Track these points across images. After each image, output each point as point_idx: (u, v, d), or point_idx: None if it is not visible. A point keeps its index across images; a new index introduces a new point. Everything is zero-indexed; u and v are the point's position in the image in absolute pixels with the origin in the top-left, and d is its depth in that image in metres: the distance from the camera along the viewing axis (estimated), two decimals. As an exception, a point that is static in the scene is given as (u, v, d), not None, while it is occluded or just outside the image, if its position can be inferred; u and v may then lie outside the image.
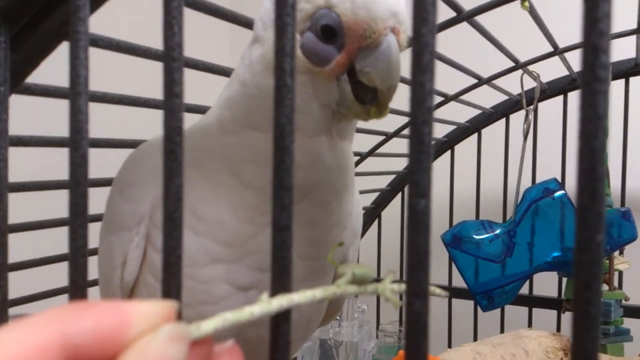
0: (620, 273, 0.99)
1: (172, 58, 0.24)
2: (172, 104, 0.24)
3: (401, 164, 1.16)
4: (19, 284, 0.48)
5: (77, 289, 0.27)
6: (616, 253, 0.92)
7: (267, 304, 0.23)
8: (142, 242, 0.46)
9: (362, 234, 1.16)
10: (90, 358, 0.20)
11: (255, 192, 0.43)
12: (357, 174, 0.96)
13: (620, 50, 0.94)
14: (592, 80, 0.17)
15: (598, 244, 0.17)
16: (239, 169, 0.43)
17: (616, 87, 0.98)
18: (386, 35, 0.38)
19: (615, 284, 0.91)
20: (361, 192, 0.64)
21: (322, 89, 0.40)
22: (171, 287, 0.24)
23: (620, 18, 0.85)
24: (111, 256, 0.47)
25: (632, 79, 1.00)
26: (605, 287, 0.90)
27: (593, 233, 0.17)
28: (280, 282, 0.23)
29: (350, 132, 0.45)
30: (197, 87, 0.58)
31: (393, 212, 1.18)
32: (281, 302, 0.23)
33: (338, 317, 0.93)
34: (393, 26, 0.38)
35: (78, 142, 0.26)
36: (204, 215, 0.44)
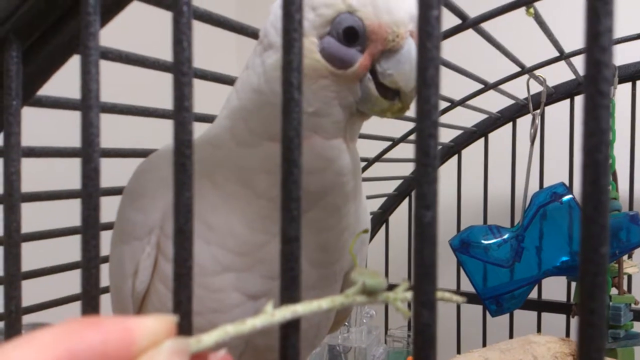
0: (630, 277, 0.99)
1: (182, 72, 0.25)
2: (182, 118, 0.25)
3: (408, 169, 1.16)
4: (30, 292, 0.48)
5: (89, 298, 0.27)
6: (625, 257, 0.91)
7: (270, 316, 0.23)
8: (153, 252, 0.46)
9: (370, 239, 1.16)
10: None
11: (267, 202, 0.43)
12: (365, 179, 0.96)
13: (627, 54, 0.94)
14: (594, 93, 0.17)
15: (602, 255, 0.18)
16: (252, 180, 0.43)
17: (623, 91, 0.98)
18: (406, 39, 0.39)
19: (625, 287, 0.91)
20: (368, 197, 0.64)
21: (345, 90, 0.40)
22: (182, 297, 0.25)
23: (627, 22, 0.85)
24: (122, 266, 0.47)
25: (639, 82, 1.00)
26: (614, 291, 0.89)
27: (597, 244, 0.18)
28: (289, 293, 0.23)
29: (356, 135, 0.46)
30: (205, 97, 0.58)
31: (400, 217, 1.18)
32: (284, 314, 0.23)
33: (347, 323, 0.94)
34: (412, 30, 0.39)
35: (90, 155, 0.27)
36: (215, 225, 0.44)
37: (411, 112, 0.45)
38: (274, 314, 0.23)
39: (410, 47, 0.39)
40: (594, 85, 0.17)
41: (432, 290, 0.20)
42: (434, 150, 0.20)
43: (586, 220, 0.18)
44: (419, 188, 0.20)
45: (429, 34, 0.20)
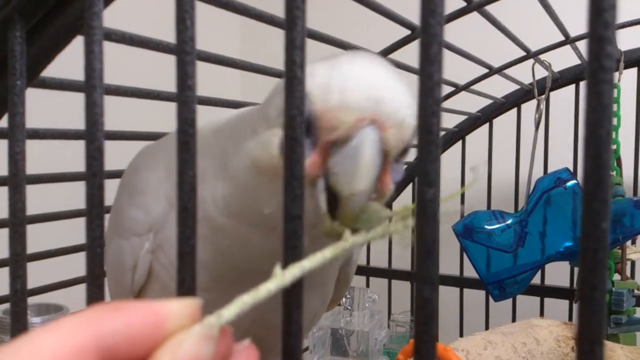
0: (633, 263, 0.99)
1: (185, 52, 0.25)
2: (185, 97, 0.25)
3: (412, 154, 1.16)
4: (36, 273, 0.48)
5: (94, 278, 0.27)
6: (628, 242, 0.91)
7: (281, 278, 0.23)
8: (152, 247, 0.46)
9: (374, 225, 1.16)
10: (124, 357, 0.21)
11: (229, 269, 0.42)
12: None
13: (632, 39, 0.94)
14: (597, 69, 0.17)
15: (603, 230, 0.18)
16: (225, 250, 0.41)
17: (628, 76, 0.97)
18: (360, 129, 0.31)
19: (628, 273, 0.91)
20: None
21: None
22: (186, 275, 0.25)
23: (633, 6, 0.84)
24: (121, 259, 0.47)
25: (644, 67, 0.99)
26: (617, 276, 0.90)
27: (598, 220, 0.18)
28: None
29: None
30: (208, 80, 0.58)
31: (404, 202, 1.18)
32: (294, 272, 0.23)
33: (349, 307, 0.94)
34: (374, 118, 0.31)
35: (94, 135, 0.27)
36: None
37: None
38: (284, 275, 0.23)
39: (361, 140, 0.31)
40: (597, 60, 0.17)
41: (434, 266, 0.20)
42: (436, 128, 0.20)
43: (587, 196, 0.18)
44: (421, 165, 0.21)
45: (431, 11, 0.20)
